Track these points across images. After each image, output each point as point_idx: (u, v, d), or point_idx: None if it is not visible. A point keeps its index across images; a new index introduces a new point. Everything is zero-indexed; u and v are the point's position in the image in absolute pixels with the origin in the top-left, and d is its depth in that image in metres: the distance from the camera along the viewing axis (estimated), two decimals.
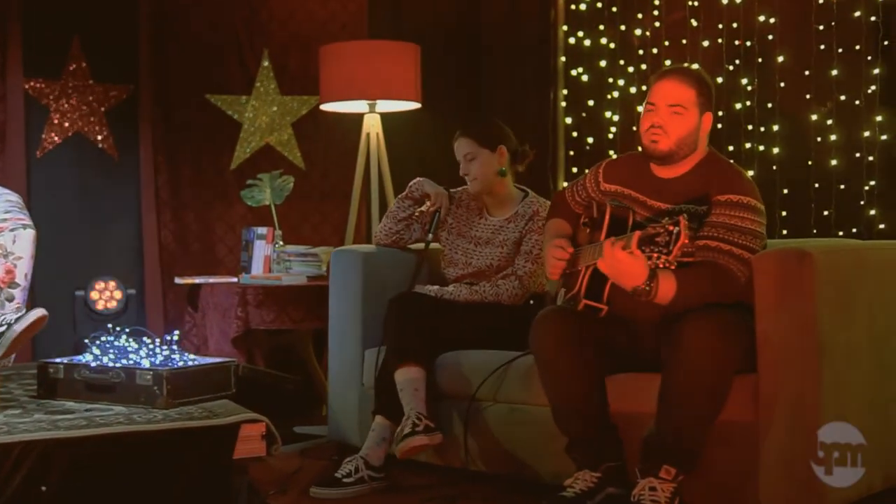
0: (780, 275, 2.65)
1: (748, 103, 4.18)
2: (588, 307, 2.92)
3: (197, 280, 4.43)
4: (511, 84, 5.26)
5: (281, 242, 4.39)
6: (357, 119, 4.76)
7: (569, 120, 5.09)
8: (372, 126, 4.66)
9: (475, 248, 3.60)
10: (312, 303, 4.15)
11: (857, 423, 2.72)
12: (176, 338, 3.51)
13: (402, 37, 4.83)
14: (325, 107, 4.69)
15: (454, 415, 3.28)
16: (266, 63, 5.34)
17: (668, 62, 4.58)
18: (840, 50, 3.90)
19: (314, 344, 4.48)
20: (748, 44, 4.20)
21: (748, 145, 4.18)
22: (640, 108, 2.96)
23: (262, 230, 4.41)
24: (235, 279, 4.35)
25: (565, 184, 4.71)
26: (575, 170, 5.01)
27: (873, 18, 3.81)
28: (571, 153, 5.11)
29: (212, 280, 4.41)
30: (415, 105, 4.64)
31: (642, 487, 2.69)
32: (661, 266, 2.60)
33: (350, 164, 4.88)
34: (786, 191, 4.06)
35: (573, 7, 5.02)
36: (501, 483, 3.23)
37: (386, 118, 4.73)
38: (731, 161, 2.97)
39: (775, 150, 4.10)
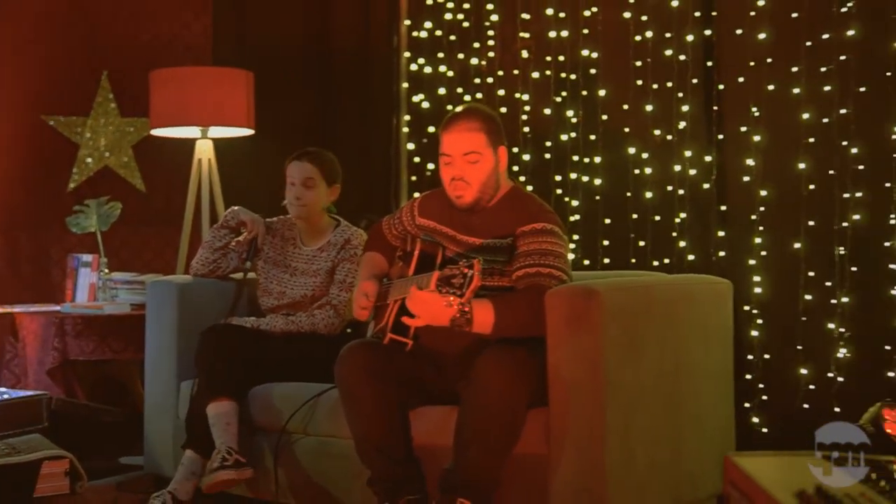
0: (569, 312, 2.71)
1: (573, 135, 4.29)
2: (393, 341, 2.96)
3: (17, 308, 4.31)
4: (356, 110, 5.27)
5: (106, 270, 4.32)
6: (192, 144, 4.72)
7: (411, 146, 5.13)
8: (204, 152, 4.63)
9: (290, 277, 3.62)
10: (135, 332, 4.08)
11: (645, 453, 2.84)
12: None
13: (246, 61, 4.79)
14: (157, 132, 4.64)
15: (265, 447, 3.28)
16: (105, 84, 5.24)
17: (501, 92, 4.66)
18: (655, 86, 4.03)
19: (142, 374, 4.41)
20: (573, 77, 4.31)
21: (573, 176, 4.28)
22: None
23: (87, 257, 4.32)
24: (58, 307, 4.25)
25: None
26: (417, 194, 5.03)
27: (682, 57, 3.95)
28: (413, 178, 5.15)
29: (32, 308, 4.29)
30: (248, 131, 4.63)
31: None
32: (455, 307, 2.65)
33: None
34: (608, 220, 4.17)
35: (415, 34, 5.07)
36: None
37: (219, 144, 4.70)
38: (534, 194, 3.05)
39: (598, 182, 4.21)
